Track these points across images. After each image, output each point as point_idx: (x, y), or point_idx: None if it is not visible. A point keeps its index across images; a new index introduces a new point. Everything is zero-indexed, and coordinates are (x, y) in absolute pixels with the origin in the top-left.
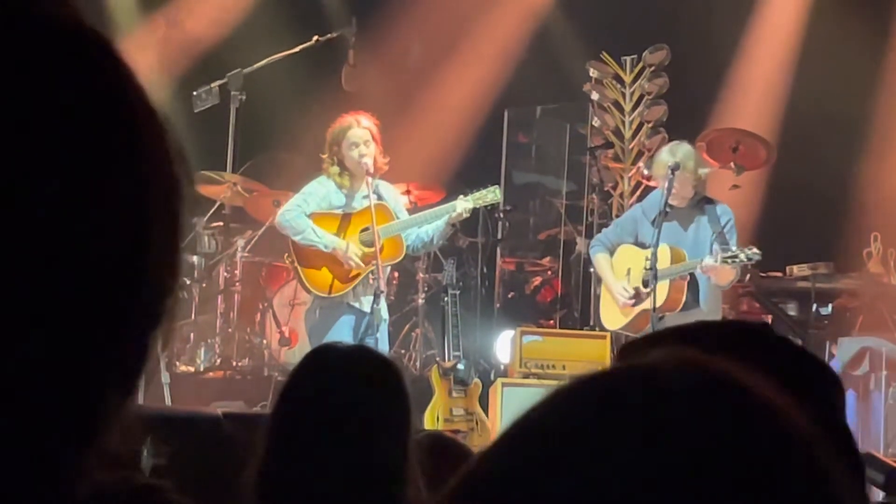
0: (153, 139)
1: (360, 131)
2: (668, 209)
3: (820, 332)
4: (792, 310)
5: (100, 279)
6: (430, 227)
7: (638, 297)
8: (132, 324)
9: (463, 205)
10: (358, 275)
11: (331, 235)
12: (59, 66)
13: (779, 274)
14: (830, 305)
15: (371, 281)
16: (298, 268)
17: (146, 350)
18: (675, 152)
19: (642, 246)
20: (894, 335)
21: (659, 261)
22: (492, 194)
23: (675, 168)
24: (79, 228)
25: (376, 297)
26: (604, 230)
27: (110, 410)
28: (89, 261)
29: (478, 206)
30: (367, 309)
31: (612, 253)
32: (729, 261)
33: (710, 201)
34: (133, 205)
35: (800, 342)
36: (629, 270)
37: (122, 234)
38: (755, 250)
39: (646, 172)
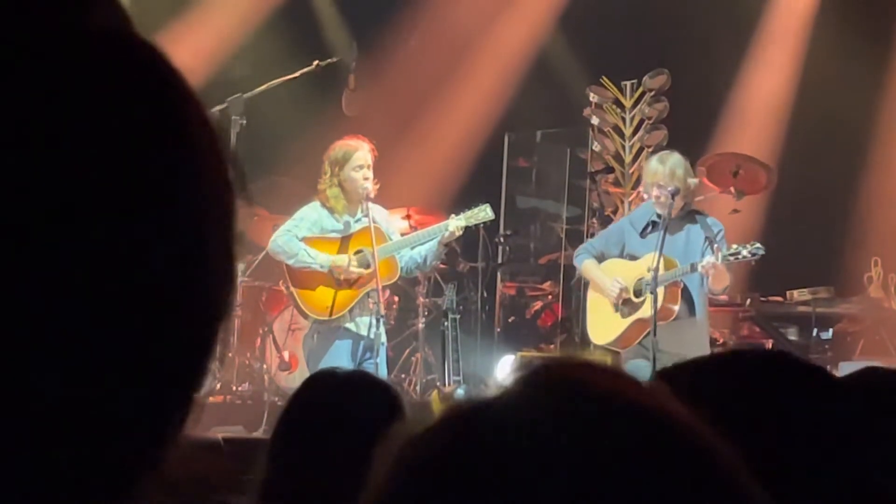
0: (211, 157)
1: (365, 154)
2: (657, 219)
3: (821, 357)
4: (792, 334)
5: (164, 302)
6: (423, 247)
7: (627, 302)
8: (193, 342)
9: (455, 223)
10: (350, 297)
11: (324, 255)
12: (119, 86)
13: (779, 298)
14: (831, 330)
15: (371, 306)
16: (294, 292)
17: (203, 371)
18: (664, 161)
19: (630, 258)
20: (895, 360)
21: (651, 269)
22: (483, 212)
23: (675, 193)
24: (139, 246)
25: (377, 320)
26: (588, 241)
27: (173, 427)
28: (154, 280)
29: (470, 225)
30: (363, 332)
31: (599, 262)
32: (731, 257)
33: (699, 213)
34: (191, 224)
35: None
36: (618, 280)
37: (184, 257)
38: (758, 245)
39: (646, 197)
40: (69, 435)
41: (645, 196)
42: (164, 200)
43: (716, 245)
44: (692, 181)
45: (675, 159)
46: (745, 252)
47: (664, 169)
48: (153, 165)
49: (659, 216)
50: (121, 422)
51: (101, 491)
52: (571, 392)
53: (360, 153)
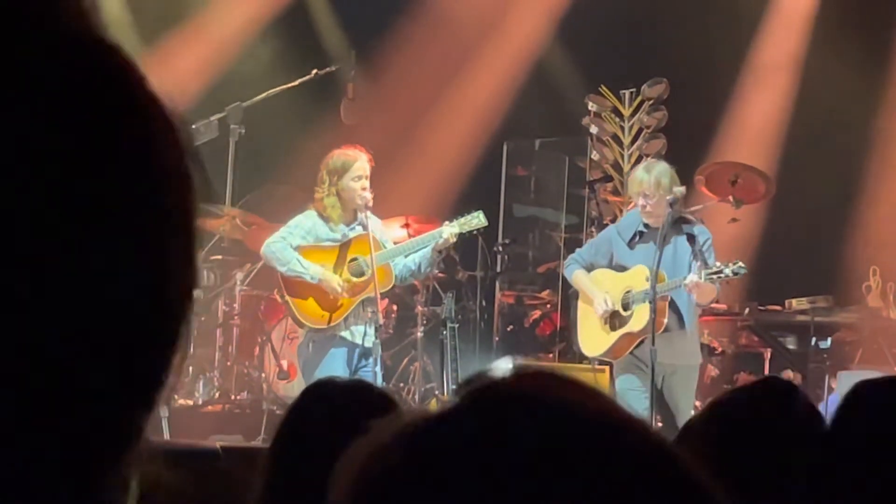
0: (174, 160)
1: (364, 164)
2: (645, 229)
3: (819, 366)
4: (791, 343)
5: (120, 293)
6: (416, 255)
7: (616, 315)
8: (154, 338)
9: (449, 230)
10: (344, 306)
11: (317, 266)
12: (80, 83)
13: (778, 307)
14: (829, 339)
15: (369, 315)
16: (289, 300)
17: (167, 369)
18: (650, 170)
19: (618, 268)
20: (893, 369)
21: (638, 283)
22: (476, 219)
23: (673, 203)
24: (97, 245)
25: (376, 329)
26: (577, 250)
27: (136, 426)
28: (109, 272)
29: (464, 231)
30: (358, 340)
31: (588, 272)
32: (714, 276)
33: (686, 221)
34: (154, 226)
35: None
36: (607, 293)
37: (140, 249)
38: (741, 264)
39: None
40: (27, 437)
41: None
42: (122, 205)
43: (698, 263)
44: (678, 189)
45: (660, 168)
46: (727, 271)
47: (650, 178)
48: (111, 169)
49: (646, 226)
50: (79, 422)
51: (61, 492)
52: (513, 406)
53: (359, 163)
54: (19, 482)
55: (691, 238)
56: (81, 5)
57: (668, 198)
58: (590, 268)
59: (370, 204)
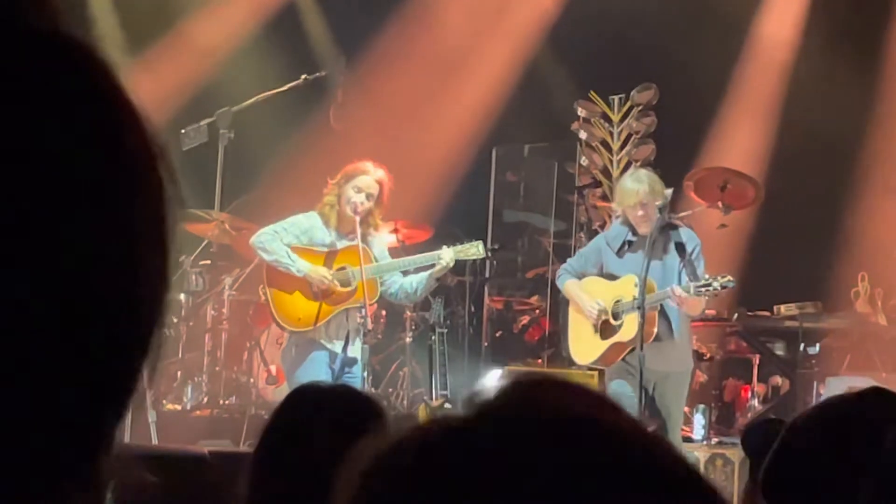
0: (146, 164)
1: (368, 180)
2: (633, 238)
3: (808, 372)
4: (780, 349)
5: (90, 300)
6: (415, 278)
7: (607, 324)
8: (123, 346)
9: (447, 258)
10: (325, 312)
11: (304, 261)
12: (42, 80)
13: (766, 313)
14: (818, 345)
15: (359, 320)
16: (269, 293)
17: (136, 375)
18: (640, 179)
19: (609, 277)
20: (882, 375)
21: (628, 292)
22: (474, 249)
23: (663, 207)
24: (68, 252)
25: (364, 335)
26: (568, 260)
27: (103, 434)
28: (79, 281)
29: (460, 259)
30: (338, 350)
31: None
32: (703, 290)
33: (673, 227)
34: (122, 227)
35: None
36: (598, 303)
37: (111, 257)
38: (729, 278)
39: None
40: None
41: (617, 217)
42: (93, 210)
43: (687, 278)
44: (668, 192)
45: (650, 175)
46: (715, 284)
47: (644, 187)
48: (82, 171)
49: (634, 234)
50: (44, 429)
51: (29, 490)
52: (532, 412)
53: (366, 178)
54: None
55: (680, 246)
56: (51, 4)
57: (656, 203)
58: (580, 277)
59: (357, 210)
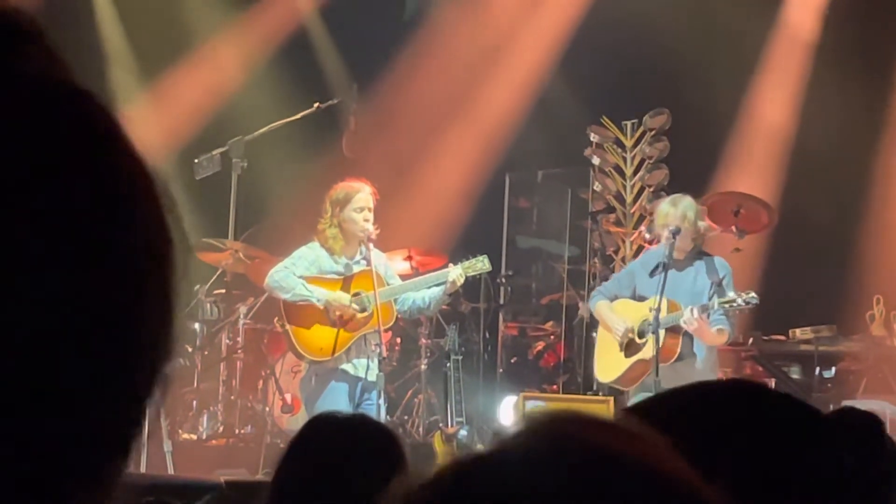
0: (147, 202)
1: (366, 196)
2: (666, 259)
3: (823, 396)
4: (795, 373)
5: (95, 343)
6: (428, 293)
7: (632, 343)
8: (127, 386)
9: (455, 273)
10: (344, 339)
11: (322, 289)
12: (47, 128)
13: (782, 337)
14: (834, 368)
15: (374, 348)
16: (289, 329)
17: (142, 415)
18: (676, 203)
19: (640, 299)
20: None
21: (653, 309)
22: (481, 263)
23: (676, 233)
24: (73, 295)
25: (380, 363)
26: (603, 283)
27: (108, 474)
28: (83, 324)
29: (468, 275)
30: (361, 373)
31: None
32: (727, 305)
33: (707, 255)
34: (126, 271)
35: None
36: (624, 322)
37: (115, 300)
38: (752, 294)
39: (647, 236)
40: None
41: (647, 236)
42: (94, 252)
43: (711, 301)
44: (702, 224)
45: (687, 202)
46: (739, 301)
47: (676, 211)
48: (83, 214)
49: (669, 258)
50: (46, 468)
51: None
52: (571, 447)
53: (362, 195)
54: None
55: (713, 272)
56: (49, 50)
57: (669, 227)
58: (613, 299)
59: (373, 236)
